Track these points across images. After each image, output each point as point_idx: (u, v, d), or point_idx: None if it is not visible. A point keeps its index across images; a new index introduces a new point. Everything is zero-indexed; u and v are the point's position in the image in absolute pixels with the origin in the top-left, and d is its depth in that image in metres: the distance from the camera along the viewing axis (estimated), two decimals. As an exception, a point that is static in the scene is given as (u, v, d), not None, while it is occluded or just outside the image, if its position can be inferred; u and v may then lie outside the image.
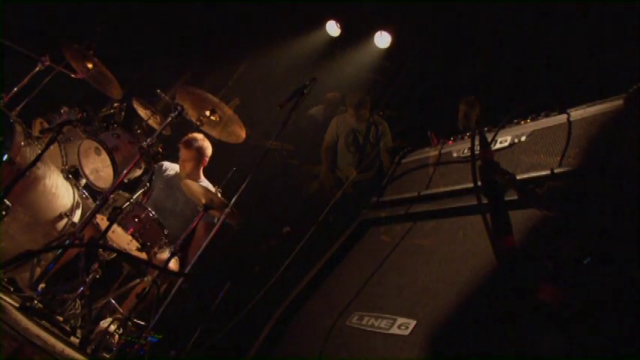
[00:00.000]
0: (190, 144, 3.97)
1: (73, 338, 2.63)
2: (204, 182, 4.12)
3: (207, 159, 4.06)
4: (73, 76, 3.77)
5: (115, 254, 3.19)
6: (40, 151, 2.96)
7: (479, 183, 1.27)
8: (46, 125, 3.64)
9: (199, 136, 3.99)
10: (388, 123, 5.16)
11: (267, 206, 5.31)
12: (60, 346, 2.09)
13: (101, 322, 2.85)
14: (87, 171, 3.48)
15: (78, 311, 2.77)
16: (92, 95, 3.92)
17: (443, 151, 2.05)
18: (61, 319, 2.68)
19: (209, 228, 3.46)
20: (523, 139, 1.71)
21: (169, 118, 3.27)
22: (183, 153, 4.00)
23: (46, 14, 5.08)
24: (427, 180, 1.99)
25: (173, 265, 3.41)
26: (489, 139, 1.66)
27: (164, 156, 3.63)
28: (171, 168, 4.18)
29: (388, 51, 5.71)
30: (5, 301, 2.40)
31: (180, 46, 5.96)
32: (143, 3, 5.61)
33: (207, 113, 3.37)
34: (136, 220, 3.17)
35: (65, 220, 3.23)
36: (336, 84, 5.85)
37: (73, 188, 3.37)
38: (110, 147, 3.31)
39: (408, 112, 5.37)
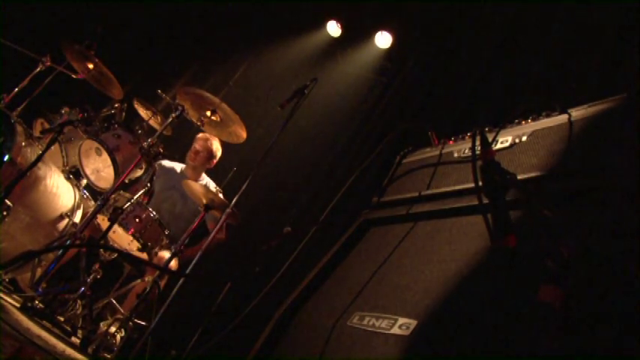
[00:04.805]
0: (209, 140, 4.12)
1: (74, 338, 2.63)
2: (205, 179, 4.16)
3: (215, 161, 4.20)
4: (73, 76, 3.77)
5: (116, 254, 3.20)
6: (41, 152, 2.97)
7: (480, 183, 1.27)
8: (46, 125, 3.64)
9: (217, 140, 4.15)
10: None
11: (267, 206, 5.31)
12: (61, 346, 2.09)
13: (102, 323, 2.86)
14: (88, 171, 3.49)
15: (79, 311, 2.78)
16: (93, 95, 3.92)
17: (444, 151, 2.05)
18: (62, 319, 2.69)
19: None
20: (524, 139, 1.71)
21: (170, 119, 3.28)
22: (201, 144, 4.12)
23: (47, 14, 5.08)
24: (428, 180, 1.99)
25: (173, 265, 3.42)
26: (490, 139, 1.67)
27: (165, 156, 3.64)
28: (171, 167, 4.20)
29: (389, 51, 5.71)
30: (6, 301, 2.40)
31: (180, 46, 5.96)
32: (144, 3, 5.61)
33: (208, 113, 3.38)
34: (137, 220, 3.18)
35: (66, 221, 3.23)
36: (337, 84, 5.85)
37: (73, 188, 3.38)
38: (111, 147, 3.31)
39: (408, 113, 5.36)
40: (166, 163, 4.18)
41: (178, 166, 4.22)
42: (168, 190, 4.02)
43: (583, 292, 1.09)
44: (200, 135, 4.14)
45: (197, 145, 4.11)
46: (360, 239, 2.11)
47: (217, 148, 4.17)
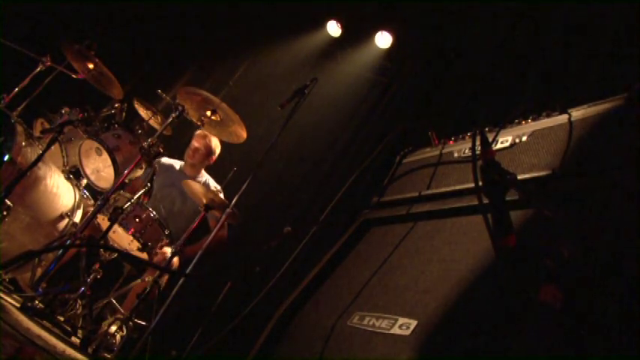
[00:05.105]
0: (208, 137, 4.12)
1: (74, 338, 2.63)
2: (205, 176, 4.16)
3: (214, 158, 4.20)
4: (74, 76, 3.77)
5: (116, 254, 3.20)
6: (41, 152, 2.97)
7: (480, 183, 1.27)
8: (47, 125, 3.64)
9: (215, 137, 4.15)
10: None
11: (267, 206, 5.31)
12: (61, 346, 2.09)
13: (102, 323, 2.86)
14: (88, 171, 3.49)
15: (79, 311, 2.78)
16: (93, 95, 3.92)
17: (444, 151, 2.05)
18: (62, 319, 2.69)
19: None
20: (524, 139, 1.71)
21: (170, 119, 3.28)
22: (199, 141, 4.12)
23: (47, 14, 5.08)
24: (428, 180, 1.99)
25: (174, 264, 3.42)
26: (490, 139, 1.67)
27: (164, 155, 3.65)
28: (170, 164, 4.19)
29: (389, 51, 5.70)
30: (6, 301, 2.40)
31: (181, 46, 5.96)
32: (144, 3, 5.61)
33: (208, 113, 3.38)
34: (137, 220, 3.18)
35: (66, 221, 3.23)
36: (337, 84, 5.85)
37: (74, 188, 3.37)
38: (111, 147, 3.31)
39: (408, 113, 5.37)
40: (165, 160, 4.18)
41: (177, 164, 4.21)
42: (167, 187, 4.02)
43: (583, 292, 1.09)
44: (198, 132, 4.12)
45: (195, 143, 4.10)
46: (360, 239, 2.11)
47: (216, 145, 4.16)
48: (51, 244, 3.13)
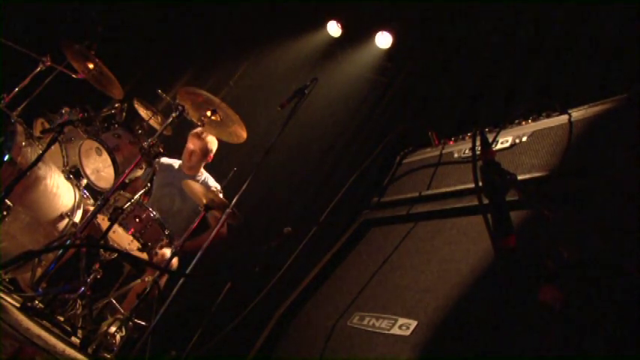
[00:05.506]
0: (202, 137, 4.07)
1: (74, 338, 2.63)
2: (204, 175, 4.15)
3: (212, 155, 4.16)
4: (74, 76, 3.77)
5: (116, 254, 3.20)
6: (41, 152, 2.97)
7: (480, 183, 1.27)
8: (47, 125, 3.64)
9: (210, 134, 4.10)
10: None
11: (267, 206, 5.31)
12: (61, 346, 2.09)
13: (102, 323, 2.86)
14: (88, 171, 3.49)
15: (79, 311, 2.78)
16: (93, 95, 3.92)
17: (444, 151, 2.05)
18: (62, 319, 2.69)
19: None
20: (524, 139, 1.71)
21: (170, 119, 3.28)
22: (194, 143, 4.06)
23: (47, 14, 5.08)
24: (428, 180, 1.99)
25: (173, 264, 3.42)
26: (490, 140, 1.67)
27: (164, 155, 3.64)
28: (169, 163, 4.19)
29: (389, 51, 5.70)
30: (6, 301, 2.40)
31: (181, 46, 5.96)
32: (144, 3, 5.61)
33: (209, 113, 3.38)
34: (137, 220, 3.18)
35: (66, 221, 3.23)
36: (337, 84, 5.85)
37: (74, 188, 3.37)
38: (111, 147, 3.31)
39: (409, 113, 5.36)
40: (164, 159, 4.17)
41: (176, 163, 4.20)
42: (167, 186, 4.01)
43: (583, 292, 1.09)
44: (193, 132, 4.07)
45: (191, 145, 4.05)
46: (360, 239, 2.11)
47: (212, 142, 4.09)
48: (51, 244, 3.13)
